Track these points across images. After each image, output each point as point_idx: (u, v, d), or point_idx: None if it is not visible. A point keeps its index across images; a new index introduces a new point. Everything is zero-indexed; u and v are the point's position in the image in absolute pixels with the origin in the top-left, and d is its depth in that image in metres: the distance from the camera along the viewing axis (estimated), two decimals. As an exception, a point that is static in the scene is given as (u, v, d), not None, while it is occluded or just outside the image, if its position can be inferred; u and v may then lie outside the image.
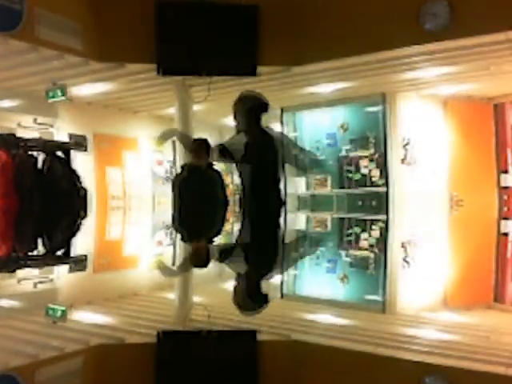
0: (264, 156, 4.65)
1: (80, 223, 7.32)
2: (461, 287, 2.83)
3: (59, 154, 9.09)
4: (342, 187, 11.95)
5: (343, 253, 4.16)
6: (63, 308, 2.15)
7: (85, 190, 9.22)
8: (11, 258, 3.73)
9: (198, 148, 6.13)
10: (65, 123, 11.05)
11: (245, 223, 4.81)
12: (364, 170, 11.66)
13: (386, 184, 11.26)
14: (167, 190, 9.00)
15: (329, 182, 12.20)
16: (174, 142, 12.13)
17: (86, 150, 10.36)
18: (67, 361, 1.53)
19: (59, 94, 9.46)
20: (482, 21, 7.11)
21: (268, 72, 8.74)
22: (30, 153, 8.75)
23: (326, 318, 2.09)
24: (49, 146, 9.14)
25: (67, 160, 9.15)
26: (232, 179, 12.21)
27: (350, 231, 6.74)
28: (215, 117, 11.56)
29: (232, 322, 1.97)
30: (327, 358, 1.59)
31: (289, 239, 4.90)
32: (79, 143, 10.08)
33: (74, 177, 9.03)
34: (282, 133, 10.82)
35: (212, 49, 8.36)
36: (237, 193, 4.89)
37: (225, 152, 5.08)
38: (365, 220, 8.84)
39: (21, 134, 9.73)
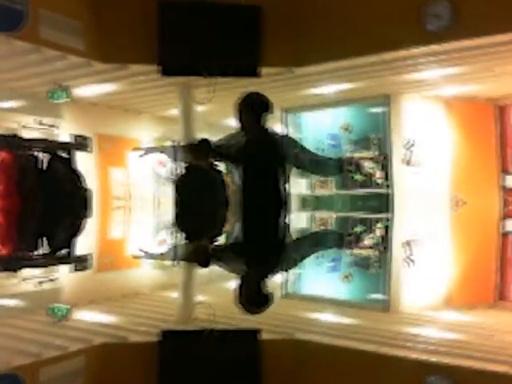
0: (263, 156, 4.63)
1: (83, 223, 7.33)
2: (463, 286, 2.83)
3: (62, 154, 9.11)
4: (345, 188, 11.95)
5: (346, 252, 4.16)
6: (67, 307, 2.15)
7: (87, 190, 9.24)
8: (14, 258, 3.73)
9: (200, 149, 6.13)
10: (68, 124, 11.07)
11: (243, 223, 4.80)
12: (367, 171, 11.65)
13: (390, 185, 11.26)
14: (169, 190, 9.02)
15: (332, 184, 12.20)
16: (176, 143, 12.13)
17: (89, 151, 10.37)
18: (70, 360, 1.53)
19: (63, 94, 9.49)
20: (485, 22, 7.08)
21: (271, 73, 8.73)
22: (32, 153, 8.76)
23: (329, 317, 2.09)
24: (52, 147, 9.16)
25: (70, 160, 9.17)
26: (233, 179, 12.20)
27: (353, 230, 6.75)
28: (217, 117, 11.58)
29: (235, 321, 1.96)
30: (330, 357, 1.59)
31: (290, 239, 4.89)
32: (82, 144, 10.09)
33: (76, 177, 9.04)
34: (286, 134, 10.81)
35: (214, 49, 8.36)
36: (237, 193, 4.86)
37: (222, 151, 5.07)
38: (368, 219, 8.83)
39: (24, 134, 9.76)
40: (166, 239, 5.43)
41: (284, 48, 8.39)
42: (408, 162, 11.31)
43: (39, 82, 9.28)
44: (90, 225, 7.38)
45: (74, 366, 1.51)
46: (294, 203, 11.41)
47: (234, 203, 4.96)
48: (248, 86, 7.83)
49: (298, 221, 8.44)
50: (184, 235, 5.48)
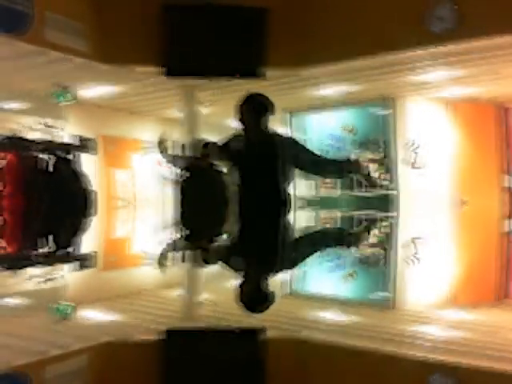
0: (263, 156, 4.63)
1: (87, 223, 7.36)
2: (467, 285, 2.82)
3: (67, 155, 9.15)
4: (350, 190, 11.94)
5: (351, 250, 4.17)
6: (73, 304, 2.16)
7: (92, 191, 9.28)
8: (20, 256, 3.75)
9: (201, 149, 6.15)
10: (72, 125, 11.11)
11: (242, 223, 4.80)
12: (372, 173, 11.65)
13: (395, 187, 11.25)
14: (172, 190, 9.04)
15: (337, 185, 12.19)
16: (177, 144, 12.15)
17: (94, 154, 10.41)
18: (75, 358, 1.53)
19: (68, 96, 9.53)
20: (490, 24, 7.07)
21: (276, 75, 8.73)
22: (38, 155, 8.81)
23: (333, 315, 2.09)
24: (56, 148, 9.20)
25: (75, 161, 9.21)
26: (233, 179, 12.19)
27: (357, 229, 6.75)
28: (221, 119, 11.59)
29: (238, 319, 1.97)
30: (334, 355, 1.59)
31: (292, 238, 4.88)
32: (87, 145, 10.14)
33: (80, 177, 9.08)
34: (290, 136, 10.79)
35: (218, 51, 8.37)
36: (237, 193, 4.86)
37: (222, 151, 5.07)
38: (373, 218, 8.84)
39: (29, 136, 9.80)
40: (169, 238, 5.44)
41: (289, 49, 8.39)
42: (413, 164, 11.31)
43: (44, 83, 9.31)
44: (95, 224, 7.41)
45: (79, 364, 1.51)
46: (298, 203, 11.41)
47: (235, 203, 4.96)
48: (252, 87, 7.84)
49: (302, 220, 8.43)
50: (185, 234, 5.49)
